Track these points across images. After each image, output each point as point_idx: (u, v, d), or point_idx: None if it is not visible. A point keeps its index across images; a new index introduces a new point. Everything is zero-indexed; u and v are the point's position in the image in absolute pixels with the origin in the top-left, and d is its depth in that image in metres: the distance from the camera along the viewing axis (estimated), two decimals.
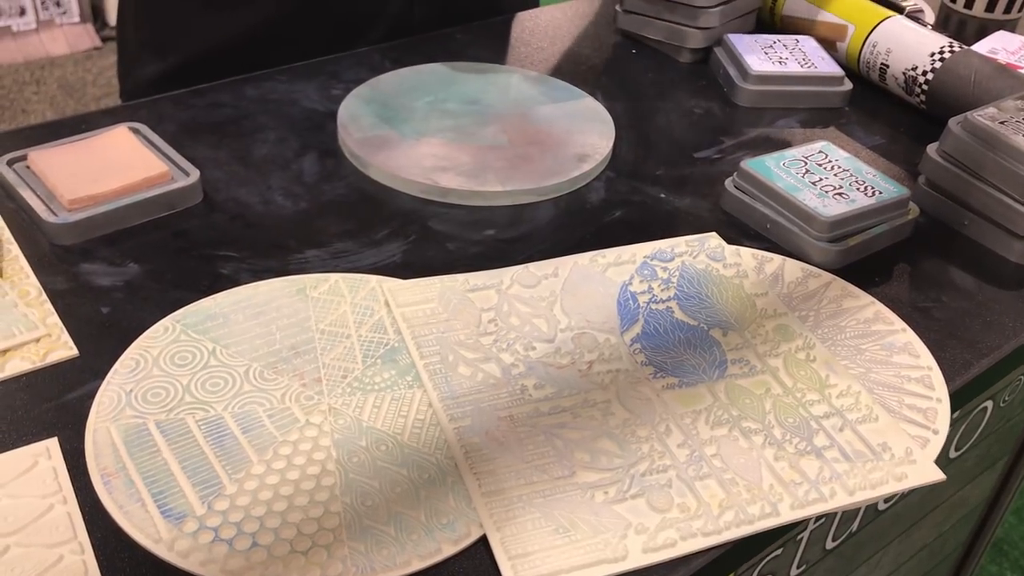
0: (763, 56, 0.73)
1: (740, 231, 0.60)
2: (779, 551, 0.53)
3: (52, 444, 0.41)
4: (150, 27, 0.82)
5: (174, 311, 0.49)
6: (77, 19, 2.68)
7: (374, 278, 0.53)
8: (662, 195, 0.62)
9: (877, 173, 0.61)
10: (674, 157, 0.67)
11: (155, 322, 0.48)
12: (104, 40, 2.71)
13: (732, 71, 0.74)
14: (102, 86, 2.57)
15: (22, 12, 2.58)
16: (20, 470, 0.40)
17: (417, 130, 0.65)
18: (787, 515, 0.42)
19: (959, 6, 0.93)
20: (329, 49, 0.74)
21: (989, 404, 0.68)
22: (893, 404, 0.48)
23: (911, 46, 0.72)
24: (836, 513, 0.44)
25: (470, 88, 0.70)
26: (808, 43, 0.75)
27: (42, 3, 2.60)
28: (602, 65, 0.78)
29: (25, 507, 0.39)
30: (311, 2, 0.77)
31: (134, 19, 0.83)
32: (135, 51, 0.84)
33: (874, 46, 0.74)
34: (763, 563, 0.52)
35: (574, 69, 0.77)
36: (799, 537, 0.55)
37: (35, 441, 0.42)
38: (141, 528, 0.38)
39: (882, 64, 0.73)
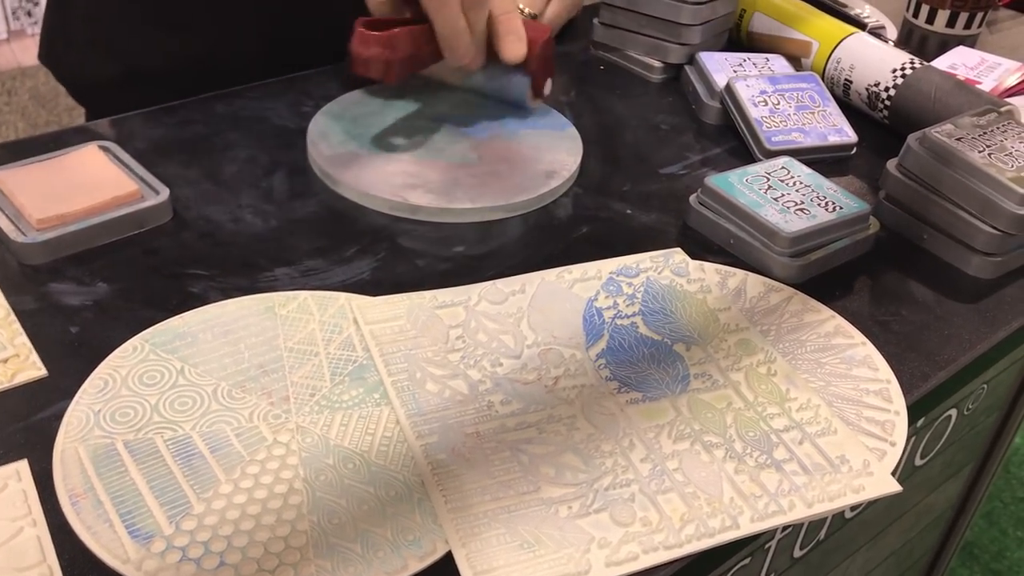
0: (731, 74, 0.74)
1: (704, 246, 0.61)
2: (747, 560, 0.54)
3: (22, 466, 0.42)
4: (96, 28, 0.82)
5: (143, 330, 0.49)
6: None
7: (343, 295, 0.54)
8: (628, 211, 0.63)
9: (838, 188, 0.62)
10: (640, 173, 0.68)
11: (124, 341, 0.49)
12: None
13: (700, 89, 0.75)
14: None
15: None
16: None
17: (386, 147, 0.65)
18: (747, 528, 0.43)
19: (921, 21, 0.94)
20: (282, 72, 0.75)
21: (953, 412, 0.69)
22: (852, 417, 0.49)
23: (873, 62, 0.73)
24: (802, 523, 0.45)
25: (439, 105, 0.71)
26: (778, 61, 0.76)
27: (13, 13, 2.59)
28: (570, 81, 0.79)
29: None
30: (252, 30, 0.77)
31: (85, 23, 0.82)
32: (81, 50, 0.83)
33: (838, 62, 0.75)
34: (731, 572, 0.53)
35: None
36: (767, 546, 0.56)
37: (4, 463, 0.42)
38: (109, 549, 0.38)
39: (846, 80, 0.75)
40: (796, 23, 0.79)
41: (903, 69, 0.71)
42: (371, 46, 0.61)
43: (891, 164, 0.64)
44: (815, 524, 0.59)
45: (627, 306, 0.54)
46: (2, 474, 0.41)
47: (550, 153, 0.67)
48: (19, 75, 2.59)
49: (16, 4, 2.57)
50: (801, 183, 0.62)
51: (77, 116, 2.48)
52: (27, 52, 2.63)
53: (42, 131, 2.31)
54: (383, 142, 0.66)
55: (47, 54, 0.87)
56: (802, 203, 0.60)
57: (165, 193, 0.57)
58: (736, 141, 0.72)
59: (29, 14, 2.60)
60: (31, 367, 0.47)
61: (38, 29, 2.64)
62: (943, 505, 0.92)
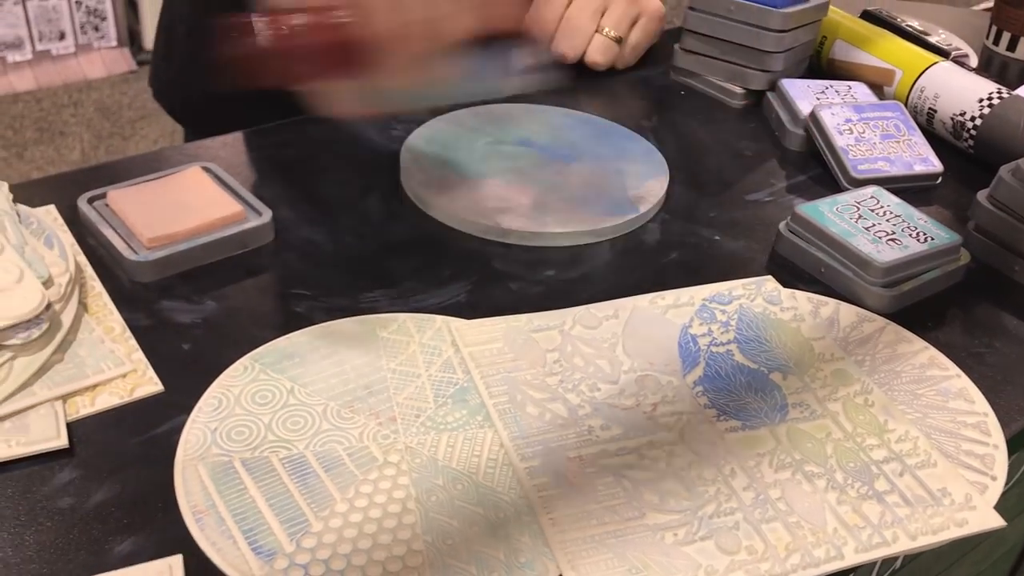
0: (815, 101, 0.74)
1: (793, 274, 0.61)
2: None
3: (175, 562, 0.40)
4: (195, 44, 0.85)
5: (252, 349, 0.51)
6: (114, 43, 2.74)
7: (439, 318, 0.55)
8: (716, 237, 0.64)
9: (928, 219, 0.62)
10: (727, 199, 0.68)
11: (234, 359, 0.50)
12: (140, 64, 2.76)
13: (784, 115, 0.75)
14: (137, 108, 2.62)
15: (61, 36, 2.63)
16: None
17: (477, 171, 0.67)
18: (851, 559, 0.43)
19: (1001, 49, 0.94)
20: None
21: None
22: (950, 449, 0.49)
23: (959, 91, 0.73)
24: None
25: (524, 129, 0.72)
26: (860, 89, 0.76)
27: (81, 28, 2.65)
28: (651, 107, 0.80)
29: None
30: None
31: (186, 40, 0.86)
32: (181, 67, 0.86)
33: (922, 91, 0.75)
34: None
35: (624, 111, 0.79)
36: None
37: (154, 553, 0.43)
38: (235, 565, 0.40)
39: (930, 109, 0.75)
40: (879, 51, 0.79)
41: (990, 98, 0.71)
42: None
43: (981, 195, 0.63)
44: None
45: (722, 333, 0.55)
46: (155, 569, 0.40)
47: (636, 178, 0.68)
48: (85, 88, 2.65)
49: (84, 19, 2.64)
50: (891, 213, 0.62)
51: (140, 127, 2.54)
52: (93, 66, 2.69)
53: (106, 142, 2.37)
54: (472, 167, 0.67)
55: (152, 74, 0.90)
56: (893, 233, 0.60)
57: (268, 214, 0.59)
58: (820, 168, 0.72)
59: (96, 28, 2.67)
60: (148, 382, 0.48)
61: (104, 44, 2.71)
62: (1015, 538, 0.91)
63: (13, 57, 2.59)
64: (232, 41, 0.50)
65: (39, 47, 2.61)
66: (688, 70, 0.82)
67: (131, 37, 2.77)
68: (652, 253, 0.62)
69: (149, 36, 2.76)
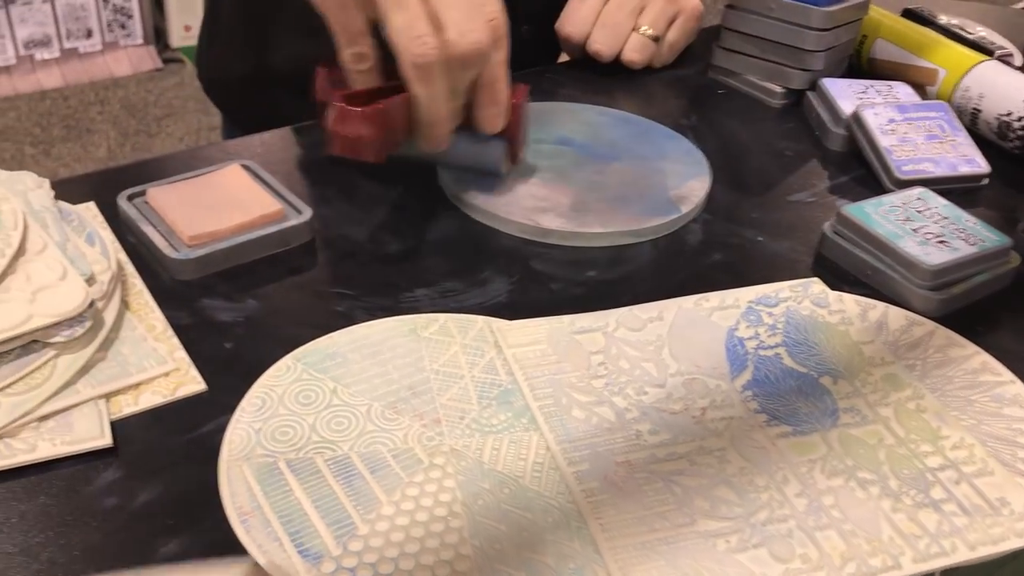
0: (856, 101, 0.73)
1: (839, 276, 0.60)
2: None
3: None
4: (238, 26, 0.85)
5: (294, 348, 0.50)
6: (140, 41, 2.75)
7: (481, 319, 0.54)
8: (759, 238, 0.63)
9: (977, 221, 0.61)
10: (769, 200, 0.67)
11: (276, 358, 0.50)
12: (165, 62, 2.77)
13: (825, 115, 0.74)
14: (163, 106, 2.63)
15: (88, 34, 2.64)
16: None
17: (516, 170, 0.66)
18: (909, 568, 0.42)
19: None
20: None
21: None
22: (1007, 457, 0.48)
23: (1005, 91, 0.72)
24: None
25: (563, 128, 0.71)
26: (902, 89, 0.75)
27: (108, 26, 2.67)
28: (690, 106, 0.79)
29: None
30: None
31: (229, 19, 0.86)
32: (223, 46, 0.87)
33: (966, 91, 0.74)
34: None
35: (662, 109, 0.78)
36: None
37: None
38: (281, 568, 0.39)
39: (974, 108, 0.73)
40: (921, 50, 0.78)
41: None
42: (357, 124, 0.54)
43: None
44: None
45: (769, 336, 0.54)
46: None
47: (677, 178, 0.67)
48: (111, 85, 2.66)
49: (111, 17, 2.65)
50: (939, 215, 0.61)
51: (166, 125, 2.54)
52: (119, 63, 2.71)
53: (132, 140, 2.38)
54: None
55: (196, 56, 0.92)
56: (941, 235, 0.59)
57: (308, 213, 0.58)
58: (862, 169, 0.71)
59: (123, 26, 2.68)
60: (191, 381, 0.48)
61: (130, 41, 2.72)
62: None
63: (41, 55, 2.60)
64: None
65: (67, 45, 2.63)
66: (727, 69, 0.81)
67: (157, 35, 2.78)
68: (695, 254, 0.62)
69: (175, 34, 2.77)
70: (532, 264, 0.59)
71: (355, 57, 0.56)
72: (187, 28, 2.78)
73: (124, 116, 2.58)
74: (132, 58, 2.73)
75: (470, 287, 0.57)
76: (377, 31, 0.57)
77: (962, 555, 0.43)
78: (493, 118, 0.59)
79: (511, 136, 0.62)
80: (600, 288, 0.58)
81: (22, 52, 2.57)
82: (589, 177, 0.66)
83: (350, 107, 0.54)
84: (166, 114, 2.60)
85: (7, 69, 2.58)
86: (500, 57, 0.56)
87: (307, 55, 0.82)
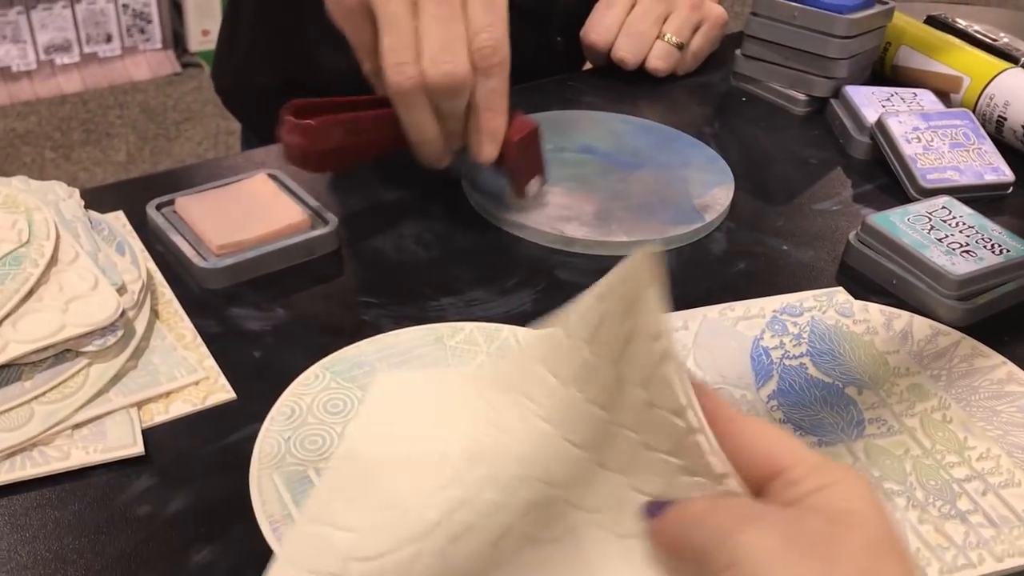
0: (880, 109, 0.73)
1: (864, 286, 0.60)
2: None
3: None
4: (260, 37, 0.86)
5: (321, 357, 0.51)
6: (159, 46, 2.76)
7: (506, 328, 0.54)
8: (784, 247, 0.63)
9: (1003, 230, 0.61)
10: (793, 208, 0.67)
11: (304, 367, 0.50)
12: (184, 66, 2.79)
13: (848, 123, 0.74)
14: (182, 110, 2.64)
15: (108, 39, 2.66)
16: None
17: (528, 199, 0.66)
18: None
19: None
20: None
21: None
22: None
23: None
24: None
25: (586, 136, 0.72)
26: (926, 96, 0.75)
27: (127, 31, 2.68)
28: (713, 113, 0.79)
29: None
30: None
31: (250, 29, 0.86)
32: (243, 56, 0.87)
33: (991, 98, 0.74)
34: None
35: (685, 117, 0.78)
36: None
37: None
38: None
39: (999, 116, 0.73)
40: (945, 57, 0.78)
41: None
42: (293, 134, 0.56)
43: None
44: None
45: (794, 346, 0.54)
46: None
47: (701, 186, 0.67)
48: (130, 90, 2.68)
49: (130, 22, 2.67)
50: (964, 224, 0.61)
51: (184, 129, 2.56)
52: (139, 68, 2.72)
53: (151, 143, 2.39)
54: None
55: (214, 65, 0.92)
56: (967, 244, 0.59)
57: (334, 222, 0.59)
58: (887, 177, 0.71)
59: (142, 31, 2.69)
60: (221, 390, 0.48)
61: (149, 46, 2.74)
62: None
63: (61, 60, 2.62)
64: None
65: (87, 50, 2.64)
66: (750, 76, 0.81)
67: (175, 40, 2.79)
68: (719, 263, 0.62)
69: (193, 39, 2.79)
70: (557, 273, 0.60)
71: (374, 72, 0.57)
72: (205, 33, 2.80)
73: (143, 120, 2.59)
74: (151, 63, 2.75)
75: (495, 296, 0.57)
76: None
77: (989, 566, 0.43)
78: (481, 145, 0.57)
79: (511, 169, 0.61)
80: None
81: (43, 57, 2.59)
82: (613, 185, 0.66)
83: (294, 119, 0.56)
84: (185, 118, 2.62)
85: (28, 74, 2.60)
86: (492, 85, 0.55)
87: (328, 66, 0.83)
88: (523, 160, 0.61)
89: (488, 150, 0.57)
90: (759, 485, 0.32)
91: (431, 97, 0.54)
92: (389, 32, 0.52)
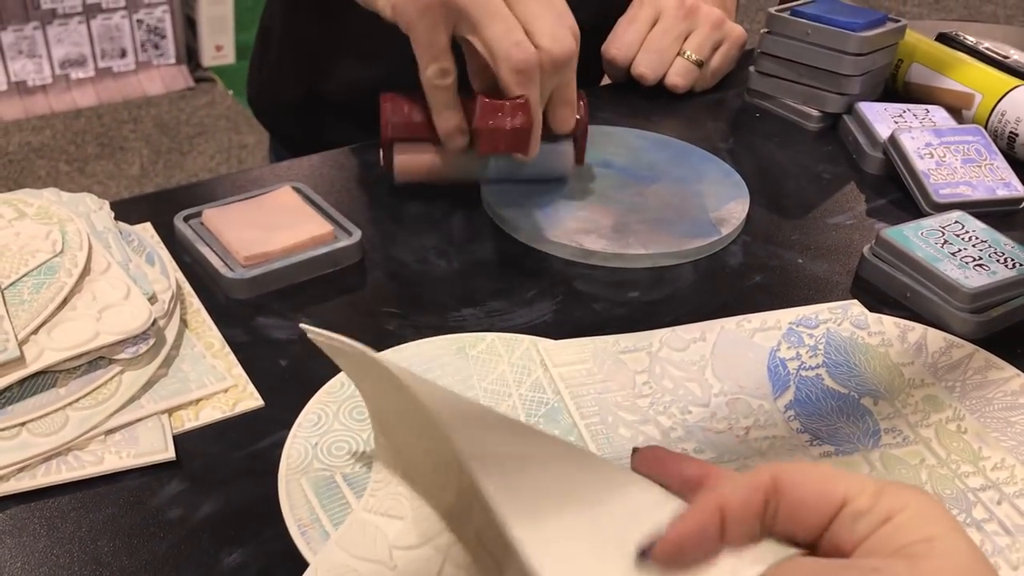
0: (892, 125, 0.74)
1: (878, 298, 0.61)
2: None
3: None
4: (289, 50, 0.87)
5: None
6: (173, 60, 2.79)
7: (527, 338, 0.55)
8: (799, 260, 0.64)
9: (1016, 245, 0.61)
10: (808, 222, 0.68)
11: (331, 375, 0.51)
12: (197, 81, 2.81)
13: (861, 139, 0.75)
14: (195, 125, 2.67)
15: (123, 54, 2.69)
16: None
17: (559, 192, 0.67)
18: None
19: None
20: None
21: None
22: None
23: None
24: None
25: (603, 151, 0.73)
26: (938, 112, 0.76)
27: (141, 46, 2.71)
28: (728, 129, 0.80)
29: None
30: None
31: (279, 43, 0.88)
32: (272, 70, 0.89)
33: (1003, 115, 0.75)
34: None
35: (700, 132, 0.79)
36: None
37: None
38: None
39: (1011, 132, 0.74)
40: (957, 74, 0.79)
41: None
42: (516, 115, 0.59)
43: None
44: None
45: (810, 357, 0.55)
46: None
47: (716, 200, 0.68)
48: (144, 104, 2.71)
49: (145, 37, 2.70)
50: (977, 238, 0.62)
51: (197, 143, 2.58)
52: (152, 83, 2.75)
53: (164, 157, 2.41)
54: (554, 187, 0.68)
55: (248, 77, 0.94)
56: (980, 258, 0.60)
57: (357, 234, 0.60)
58: (900, 192, 0.72)
59: (156, 46, 2.72)
60: (249, 397, 0.49)
61: (163, 61, 2.76)
62: None
63: (76, 74, 2.65)
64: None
65: (101, 64, 2.67)
66: (764, 92, 0.82)
67: (189, 55, 2.82)
68: (735, 275, 0.63)
69: (207, 54, 2.82)
70: (575, 284, 0.61)
71: (440, 72, 0.59)
72: (218, 48, 2.83)
73: (156, 134, 2.62)
74: (165, 77, 2.78)
75: (515, 307, 0.58)
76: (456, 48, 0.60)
77: (1004, 575, 0.43)
78: (568, 118, 0.63)
79: (580, 135, 0.66)
80: (642, 308, 0.59)
81: (58, 71, 2.62)
82: (630, 199, 0.68)
83: (492, 100, 0.59)
84: (198, 132, 2.64)
85: (43, 88, 2.63)
86: (575, 63, 0.60)
87: (355, 80, 0.84)
88: (586, 126, 0.66)
89: (571, 120, 0.63)
90: (822, 527, 0.31)
91: (544, 73, 0.58)
92: (494, 19, 0.56)
